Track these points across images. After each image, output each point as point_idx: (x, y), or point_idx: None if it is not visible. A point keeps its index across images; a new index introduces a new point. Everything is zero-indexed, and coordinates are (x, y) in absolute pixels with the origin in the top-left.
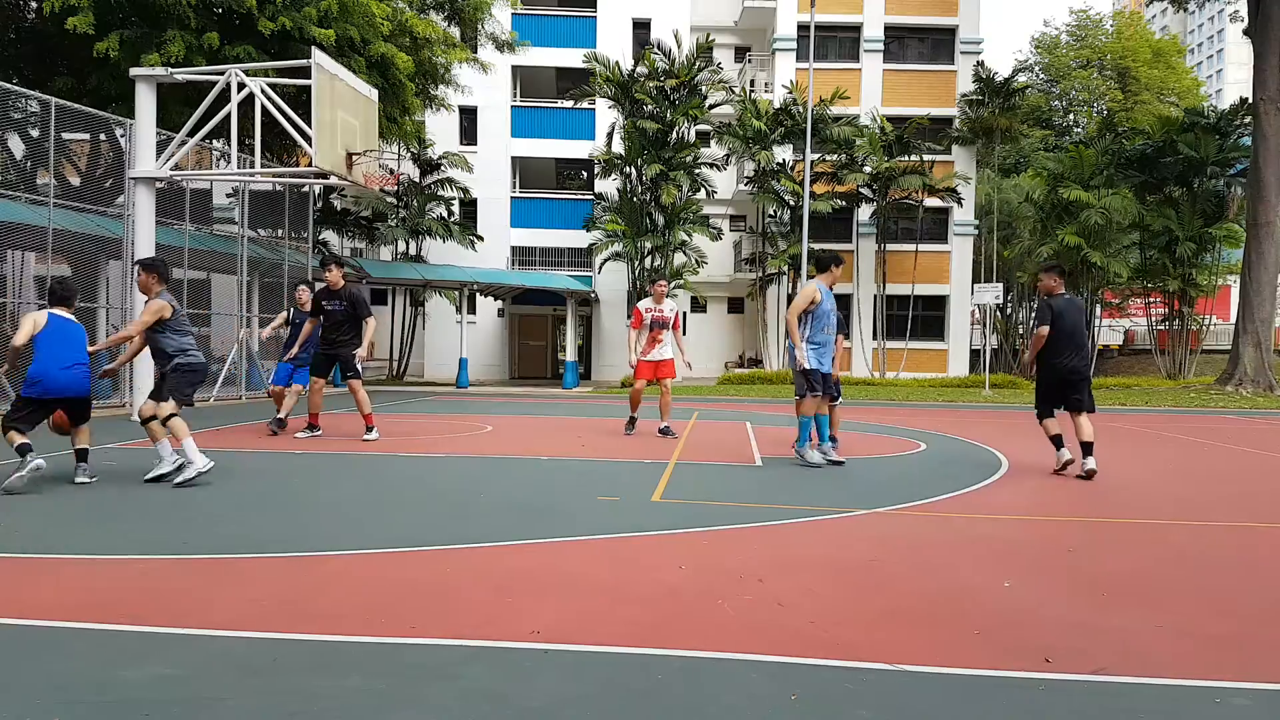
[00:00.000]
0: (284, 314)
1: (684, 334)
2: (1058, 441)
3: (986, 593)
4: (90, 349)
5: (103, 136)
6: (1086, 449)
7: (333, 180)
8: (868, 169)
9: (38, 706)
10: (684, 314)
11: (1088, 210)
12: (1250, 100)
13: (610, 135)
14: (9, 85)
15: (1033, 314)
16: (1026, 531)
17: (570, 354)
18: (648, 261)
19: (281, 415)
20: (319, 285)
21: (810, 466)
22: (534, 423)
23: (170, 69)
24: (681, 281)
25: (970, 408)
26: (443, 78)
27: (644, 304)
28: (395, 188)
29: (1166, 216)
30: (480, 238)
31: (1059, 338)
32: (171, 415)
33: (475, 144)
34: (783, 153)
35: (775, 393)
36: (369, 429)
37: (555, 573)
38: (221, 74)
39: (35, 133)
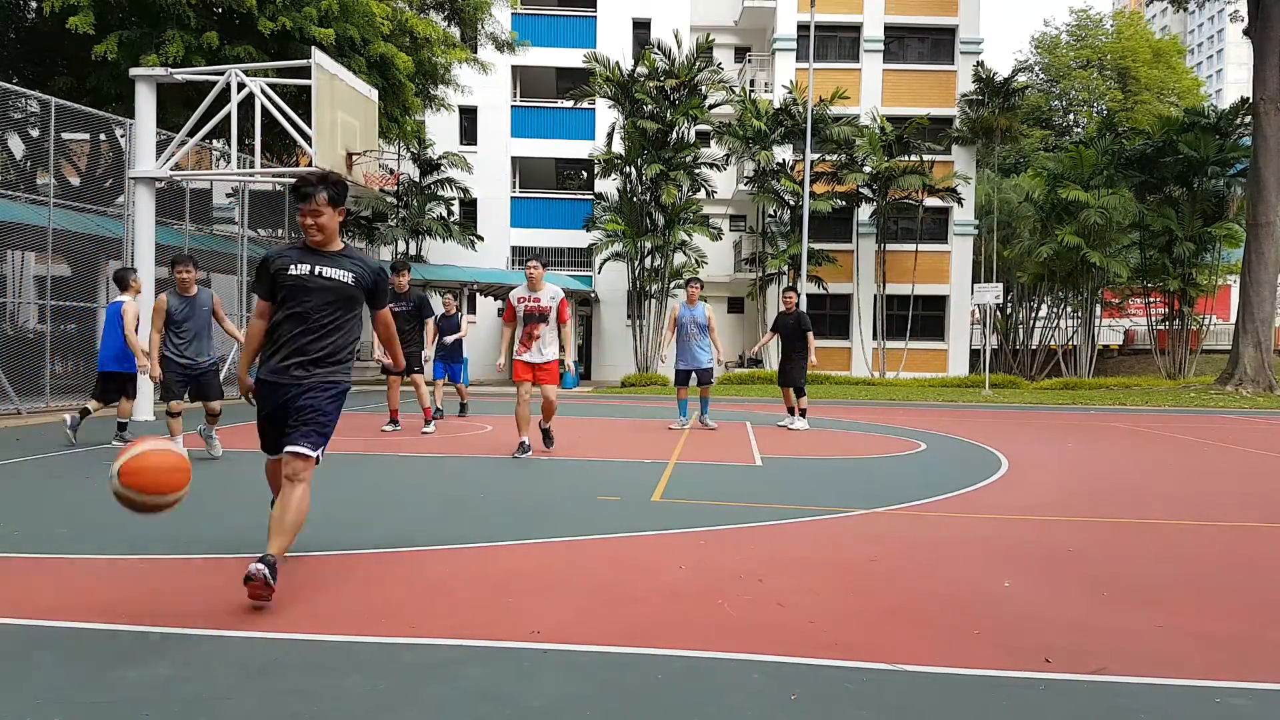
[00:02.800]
0: (431, 319)
1: (571, 328)
2: (793, 410)
3: (986, 593)
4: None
5: (103, 136)
6: (803, 412)
7: None
8: (868, 169)
9: (38, 707)
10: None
11: (1087, 210)
12: (1250, 100)
13: (610, 135)
14: (9, 85)
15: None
16: (1026, 531)
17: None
18: (648, 261)
19: (434, 406)
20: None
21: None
22: (533, 423)
23: (170, 69)
24: (681, 281)
25: (970, 408)
26: (443, 78)
27: (516, 293)
28: (395, 187)
29: (1166, 216)
30: (480, 237)
31: (785, 338)
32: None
33: (475, 144)
34: (783, 153)
35: (776, 392)
36: (427, 422)
37: (555, 573)
38: (221, 74)
39: (35, 133)
